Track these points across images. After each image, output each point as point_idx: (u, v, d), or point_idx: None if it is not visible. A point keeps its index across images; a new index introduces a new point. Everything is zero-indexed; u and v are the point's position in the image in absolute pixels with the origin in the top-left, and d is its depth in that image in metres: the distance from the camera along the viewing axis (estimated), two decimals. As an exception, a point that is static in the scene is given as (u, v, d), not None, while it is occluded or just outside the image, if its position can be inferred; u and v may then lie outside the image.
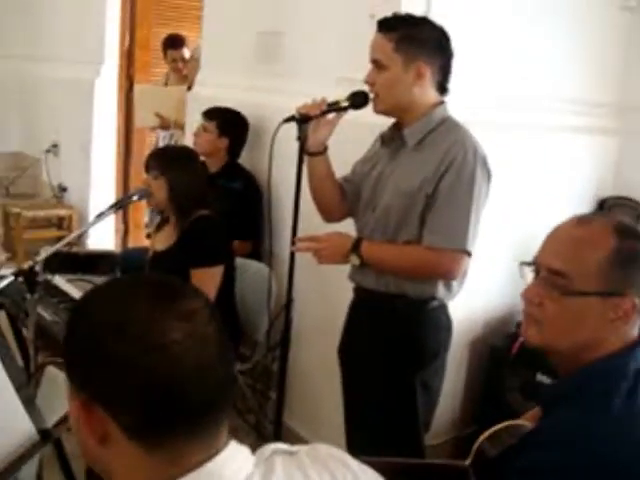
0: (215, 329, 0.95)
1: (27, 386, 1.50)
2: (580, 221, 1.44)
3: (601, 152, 3.56)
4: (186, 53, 5.21)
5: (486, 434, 1.61)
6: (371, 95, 2.24)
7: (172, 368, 0.90)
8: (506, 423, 1.50)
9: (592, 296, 1.35)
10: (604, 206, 3.53)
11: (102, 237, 5.60)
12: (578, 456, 1.25)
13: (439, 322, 2.33)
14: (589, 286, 1.35)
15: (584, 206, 3.52)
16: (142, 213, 5.79)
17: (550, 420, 1.38)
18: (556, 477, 1.26)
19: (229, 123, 3.65)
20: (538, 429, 1.39)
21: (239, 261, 3.25)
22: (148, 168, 2.99)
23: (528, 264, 1.46)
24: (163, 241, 3.07)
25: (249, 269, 3.36)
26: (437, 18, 2.32)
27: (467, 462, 1.67)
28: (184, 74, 5.18)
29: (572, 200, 3.45)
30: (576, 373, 1.38)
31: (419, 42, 2.17)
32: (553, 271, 1.38)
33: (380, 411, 2.31)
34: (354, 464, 1.08)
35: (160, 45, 5.35)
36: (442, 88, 2.25)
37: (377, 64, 2.20)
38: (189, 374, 0.90)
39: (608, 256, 1.35)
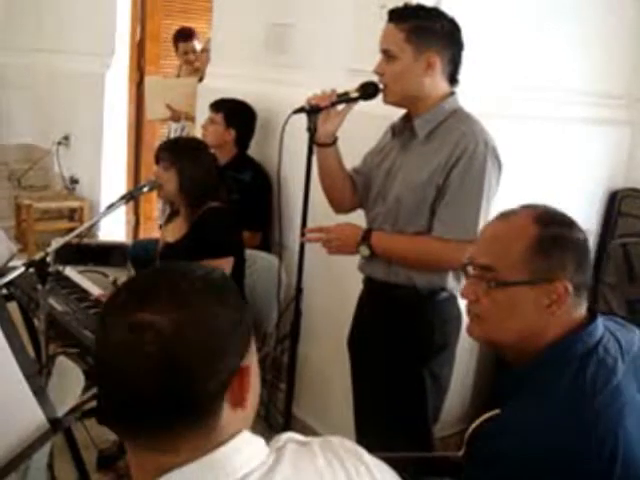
0: (159, 349, 0.91)
1: (38, 376, 1.51)
2: (502, 215, 1.50)
3: (613, 144, 3.54)
4: (197, 45, 5.21)
5: (475, 424, 1.63)
6: (381, 86, 2.23)
7: (101, 363, 0.97)
8: (495, 411, 1.51)
9: (520, 285, 1.39)
10: (616, 198, 3.52)
11: (113, 229, 5.63)
12: (529, 446, 1.27)
13: (449, 313, 2.32)
14: (515, 276, 1.40)
15: (596, 198, 3.51)
16: (153, 205, 5.81)
17: (505, 411, 1.40)
18: (513, 467, 1.28)
19: (236, 114, 3.65)
20: (496, 420, 1.41)
21: (248, 252, 3.26)
22: (158, 159, 2.99)
23: (464, 265, 1.50)
24: (174, 233, 3.07)
25: (258, 260, 3.36)
26: (448, 8, 2.31)
27: (460, 453, 1.68)
28: (196, 66, 5.18)
29: (584, 192, 3.44)
30: (525, 363, 1.42)
31: (430, 33, 2.16)
32: (481, 266, 1.44)
33: (389, 402, 2.31)
34: (367, 457, 1.08)
35: (171, 38, 5.36)
36: (452, 79, 2.24)
37: (387, 54, 2.19)
38: (110, 376, 0.95)
39: (530, 244, 1.39)
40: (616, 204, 3.50)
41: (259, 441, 1.00)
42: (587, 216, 3.50)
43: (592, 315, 1.43)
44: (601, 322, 1.43)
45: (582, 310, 1.42)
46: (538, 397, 1.34)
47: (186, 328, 0.92)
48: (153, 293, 0.96)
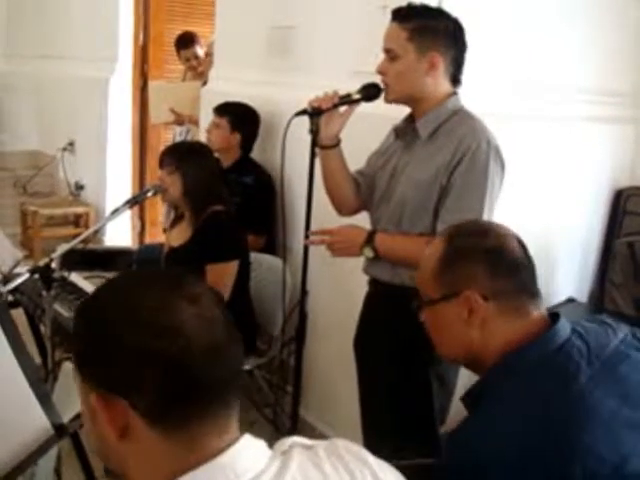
0: (221, 311, 0.98)
1: (42, 382, 1.51)
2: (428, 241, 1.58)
3: (617, 142, 3.53)
4: (199, 50, 5.20)
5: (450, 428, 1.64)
6: (382, 86, 2.23)
7: (184, 348, 0.92)
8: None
9: (438, 303, 1.45)
10: (621, 197, 3.51)
11: (119, 234, 5.64)
12: (480, 455, 1.27)
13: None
14: (432, 295, 1.46)
15: (601, 197, 3.50)
16: (158, 209, 5.81)
17: (466, 421, 1.40)
18: (468, 475, 1.29)
19: (241, 118, 3.65)
20: (456, 428, 1.41)
21: (253, 255, 3.26)
22: (162, 164, 3.00)
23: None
24: (178, 237, 3.08)
25: (263, 263, 3.36)
26: (451, 8, 2.31)
27: None
28: (200, 71, 5.18)
29: (588, 191, 3.43)
30: (482, 375, 1.45)
31: (433, 33, 2.15)
32: (417, 292, 1.52)
33: (396, 403, 2.30)
34: (372, 459, 1.08)
35: (173, 44, 5.35)
36: (455, 79, 2.24)
37: (390, 54, 2.18)
38: (200, 353, 0.93)
39: (437, 262, 1.45)
40: (621, 203, 3.49)
41: (262, 443, 1.00)
42: (592, 215, 3.49)
43: (554, 320, 1.42)
44: (566, 326, 1.41)
45: (530, 316, 1.41)
46: (492, 407, 1.35)
47: (215, 292, 1.01)
48: (175, 272, 1.03)
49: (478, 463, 1.27)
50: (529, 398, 1.31)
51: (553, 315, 1.45)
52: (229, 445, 0.95)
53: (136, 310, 0.94)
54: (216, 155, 3.52)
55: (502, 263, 1.42)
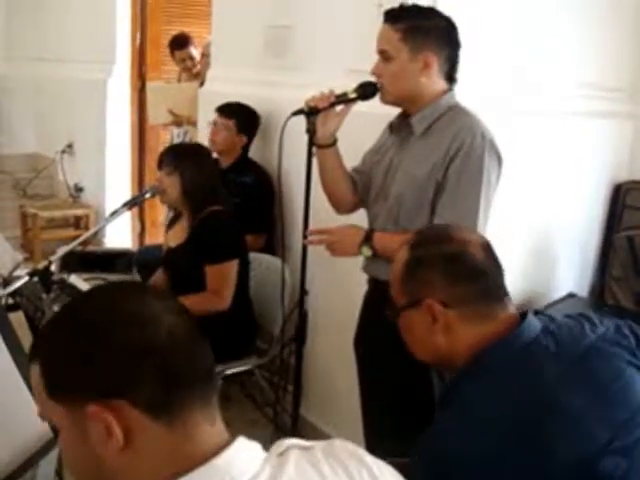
0: (185, 311, 1.01)
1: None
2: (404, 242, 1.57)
3: (616, 137, 3.53)
4: (193, 51, 5.20)
5: None
6: (378, 86, 2.22)
7: (168, 335, 0.95)
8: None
9: (404, 310, 1.47)
10: (620, 191, 3.51)
11: (119, 235, 5.65)
12: (448, 454, 1.29)
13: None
14: (399, 301, 1.49)
15: (600, 192, 3.50)
16: (158, 211, 5.82)
17: (436, 419, 1.42)
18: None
19: (248, 121, 3.66)
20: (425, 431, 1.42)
21: (252, 255, 3.26)
22: (161, 165, 3.00)
23: None
24: (176, 237, 3.08)
25: (263, 263, 3.37)
26: (444, 7, 2.30)
27: None
28: (195, 72, 5.18)
29: (587, 186, 3.43)
30: (447, 382, 1.52)
31: (425, 32, 2.15)
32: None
33: (397, 403, 2.30)
34: (369, 459, 1.07)
35: (171, 46, 5.35)
36: (450, 78, 2.24)
37: (384, 55, 2.18)
38: (182, 341, 0.96)
39: (401, 270, 1.48)
40: (620, 197, 3.49)
41: (256, 445, 1.00)
42: (591, 210, 3.49)
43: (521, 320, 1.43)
44: (533, 325, 1.41)
45: (496, 319, 1.42)
46: (455, 410, 1.36)
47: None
48: (129, 284, 1.11)
49: (440, 465, 1.28)
50: (492, 400, 1.32)
51: (523, 315, 1.45)
52: (224, 444, 0.96)
53: (112, 311, 0.96)
54: (215, 156, 3.52)
55: (462, 270, 1.43)
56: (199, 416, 0.96)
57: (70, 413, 0.94)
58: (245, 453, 0.97)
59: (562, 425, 1.27)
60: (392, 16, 2.17)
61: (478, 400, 1.33)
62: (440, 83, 2.21)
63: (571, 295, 3.37)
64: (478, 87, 2.63)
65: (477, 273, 1.43)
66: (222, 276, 2.96)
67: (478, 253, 1.45)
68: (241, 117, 3.65)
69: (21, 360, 1.39)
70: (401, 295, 1.49)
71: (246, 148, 3.73)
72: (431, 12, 2.22)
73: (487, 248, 1.48)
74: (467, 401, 1.35)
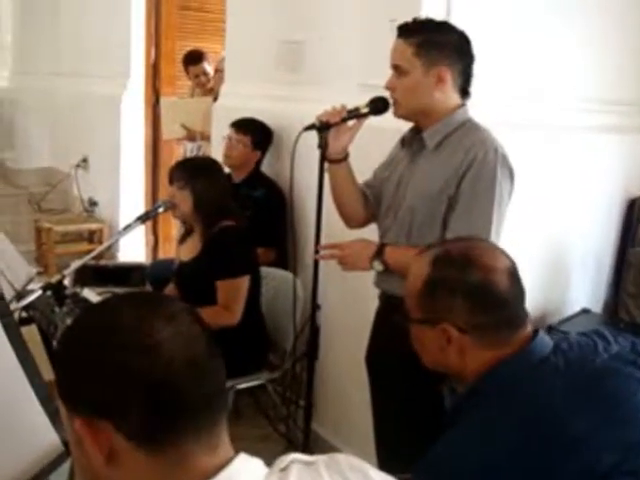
0: (200, 328, 0.98)
1: (52, 399, 1.51)
2: (421, 250, 1.57)
3: (630, 151, 3.51)
4: (207, 67, 5.23)
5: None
6: (391, 100, 2.23)
7: (165, 366, 0.92)
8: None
9: (419, 324, 1.47)
10: (634, 206, 3.49)
11: (133, 250, 5.66)
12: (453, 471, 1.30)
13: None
14: (415, 313, 1.47)
15: (614, 207, 3.49)
16: (171, 225, 5.83)
17: (445, 434, 1.42)
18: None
19: (263, 137, 3.68)
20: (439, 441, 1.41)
21: (265, 270, 3.26)
22: (172, 179, 3.01)
23: None
24: (188, 252, 3.08)
25: (274, 277, 3.36)
26: (457, 21, 2.31)
27: None
28: (209, 87, 5.21)
29: (601, 201, 3.41)
30: (454, 400, 1.51)
31: (439, 46, 2.15)
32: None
33: (408, 418, 2.29)
34: (373, 473, 1.06)
35: (185, 62, 5.38)
36: (464, 91, 2.24)
37: (397, 69, 2.19)
38: (181, 371, 0.93)
39: (421, 285, 1.45)
40: (635, 212, 3.47)
41: (258, 461, 1.00)
42: (605, 225, 3.47)
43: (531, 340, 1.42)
44: (544, 344, 1.41)
45: (511, 342, 1.41)
46: (459, 430, 1.36)
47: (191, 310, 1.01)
48: (153, 294, 1.01)
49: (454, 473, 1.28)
50: (498, 419, 1.31)
51: (536, 332, 1.44)
52: (224, 464, 0.95)
53: (114, 331, 0.94)
54: (227, 170, 3.53)
55: (484, 301, 1.41)
56: (193, 446, 0.93)
57: (69, 420, 0.96)
58: (248, 469, 0.96)
59: (568, 446, 1.26)
60: (406, 30, 2.17)
61: (484, 419, 1.33)
62: (454, 97, 2.21)
63: (585, 311, 3.35)
64: (489, 102, 2.63)
65: (499, 304, 1.41)
66: (233, 291, 2.96)
67: (502, 282, 1.42)
68: (257, 133, 3.66)
69: (32, 374, 1.39)
70: (417, 309, 1.47)
71: (259, 163, 3.74)
72: (445, 26, 2.22)
73: (512, 274, 1.45)
74: (473, 420, 1.34)
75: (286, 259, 3.58)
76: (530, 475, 1.24)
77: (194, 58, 5.22)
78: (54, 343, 2.91)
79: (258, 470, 0.98)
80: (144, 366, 0.91)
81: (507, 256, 1.50)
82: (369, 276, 2.40)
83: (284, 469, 1.00)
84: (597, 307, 3.49)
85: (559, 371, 1.36)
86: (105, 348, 0.93)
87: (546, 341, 1.41)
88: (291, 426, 3.19)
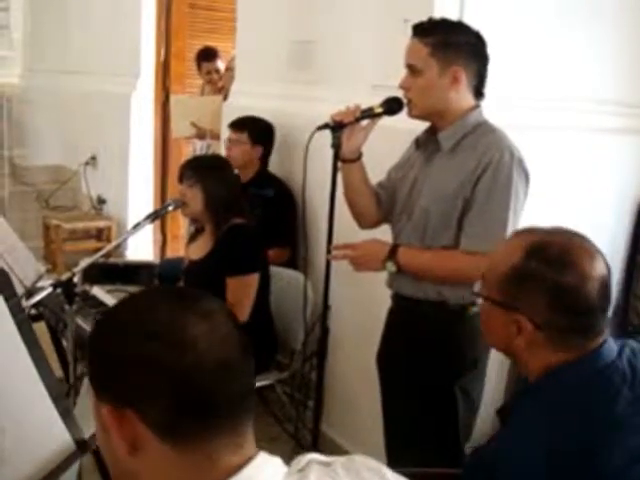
0: (234, 328, 0.99)
1: (65, 398, 1.51)
2: (514, 233, 1.55)
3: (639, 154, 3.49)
4: (220, 65, 5.23)
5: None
6: (405, 100, 2.22)
7: (196, 363, 0.92)
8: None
9: (493, 304, 1.43)
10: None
11: (141, 248, 5.66)
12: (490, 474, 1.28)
13: (479, 328, 2.28)
14: (492, 294, 1.44)
15: (624, 209, 3.46)
16: (180, 223, 5.83)
17: (491, 437, 1.42)
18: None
19: (260, 131, 3.67)
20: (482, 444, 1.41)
21: (275, 269, 3.25)
22: (182, 178, 3.00)
23: None
24: (198, 250, 3.08)
25: (285, 277, 3.35)
26: (470, 22, 2.29)
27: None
28: (219, 86, 5.21)
29: (612, 204, 3.39)
30: (514, 395, 1.45)
31: (455, 47, 2.14)
32: (482, 275, 1.50)
33: (420, 419, 2.28)
34: (389, 475, 1.06)
35: (194, 58, 5.39)
36: (478, 93, 2.23)
37: (412, 69, 2.17)
38: (214, 369, 0.93)
39: (509, 270, 1.41)
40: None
41: (278, 460, 1.00)
42: (616, 227, 3.45)
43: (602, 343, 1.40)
44: (611, 349, 1.39)
45: (585, 349, 1.39)
46: (517, 427, 1.34)
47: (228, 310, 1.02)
48: (189, 290, 1.03)
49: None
50: (557, 421, 1.30)
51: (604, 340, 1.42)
52: (246, 462, 0.95)
53: (147, 323, 0.95)
54: (235, 172, 3.52)
55: (570, 304, 1.37)
56: (218, 444, 0.93)
57: (97, 407, 0.97)
58: (268, 468, 0.97)
59: (626, 455, 1.25)
60: (421, 30, 2.16)
61: (539, 417, 1.31)
62: (468, 98, 2.20)
63: (595, 314, 3.32)
64: (501, 103, 2.61)
65: (583, 311, 1.38)
66: (242, 289, 2.96)
67: (593, 291, 1.38)
68: (252, 128, 3.66)
69: (45, 373, 1.38)
70: (496, 290, 1.43)
71: (265, 161, 3.73)
72: (461, 27, 2.21)
73: (604, 283, 1.41)
74: (529, 417, 1.33)
75: (295, 259, 3.58)
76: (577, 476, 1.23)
77: (208, 55, 5.24)
78: (63, 341, 2.92)
79: (277, 469, 0.98)
80: (172, 360, 0.91)
81: (604, 261, 1.44)
82: (379, 277, 2.39)
83: (302, 469, 1.00)
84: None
85: (626, 378, 1.35)
86: (136, 337, 0.94)
87: (612, 347, 1.40)
88: (299, 427, 3.18)
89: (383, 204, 2.40)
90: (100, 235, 6.09)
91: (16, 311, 1.34)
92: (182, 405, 0.91)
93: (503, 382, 3.27)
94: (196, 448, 0.92)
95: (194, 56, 5.38)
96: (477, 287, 1.53)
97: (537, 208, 2.67)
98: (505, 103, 2.70)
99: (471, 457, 1.40)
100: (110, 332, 0.98)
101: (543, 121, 2.98)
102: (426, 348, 2.26)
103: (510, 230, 2.11)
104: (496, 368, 3.00)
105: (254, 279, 3.00)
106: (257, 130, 3.66)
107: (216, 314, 0.97)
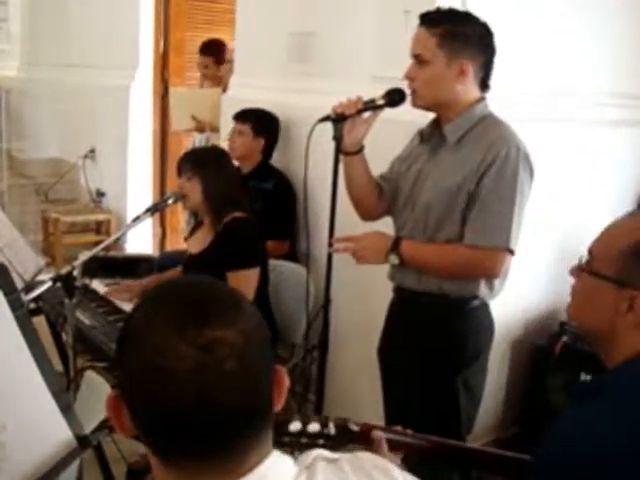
0: (238, 361, 0.90)
1: (65, 392, 1.50)
2: (630, 213, 1.47)
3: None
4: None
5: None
6: (408, 90, 2.19)
7: (170, 392, 0.88)
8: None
9: (604, 280, 1.36)
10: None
11: (140, 241, 5.64)
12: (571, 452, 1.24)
13: (481, 322, 2.29)
14: (604, 269, 1.36)
15: (627, 202, 3.46)
16: (179, 217, 5.82)
17: (564, 415, 1.36)
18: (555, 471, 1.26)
19: (263, 123, 3.65)
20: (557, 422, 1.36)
21: (275, 262, 3.24)
22: (180, 170, 2.99)
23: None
24: (198, 244, 3.06)
25: (285, 270, 3.34)
26: (475, 12, 2.27)
27: None
28: (219, 75, 5.16)
29: (614, 196, 3.39)
30: (605, 371, 1.39)
31: (463, 38, 2.12)
32: (588, 251, 1.42)
33: (421, 412, 2.26)
34: (397, 472, 1.05)
35: (197, 50, 5.32)
36: (484, 84, 2.21)
37: (419, 59, 2.15)
38: (188, 402, 0.88)
39: (630, 246, 1.34)
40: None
41: (288, 459, 0.99)
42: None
43: None
44: None
45: None
46: (601, 406, 1.29)
47: (250, 335, 0.93)
48: (208, 307, 0.92)
49: (577, 458, 1.23)
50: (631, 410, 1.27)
51: None
52: (258, 462, 0.93)
53: (144, 333, 0.92)
54: (235, 163, 3.51)
55: None
56: (200, 468, 0.91)
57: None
58: (279, 467, 0.96)
59: None
60: (429, 20, 2.13)
61: (621, 405, 1.27)
62: (474, 90, 2.18)
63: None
64: (506, 96, 2.60)
65: None
66: (243, 282, 2.94)
67: None
68: (255, 120, 3.64)
69: (45, 368, 1.37)
70: (610, 264, 1.36)
71: (267, 153, 3.71)
72: (468, 18, 2.17)
73: None
74: (610, 403, 1.29)
75: (294, 251, 3.56)
76: None
77: (204, 48, 5.18)
78: (63, 335, 2.91)
79: (287, 469, 0.97)
80: (148, 382, 0.89)
81: None
82: (380, 269, 2.37)
83: (309, 467, 1.00)
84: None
85: None
86: (129, 346, 0.94)
87: None
88: (300, 420, 3.17)
89: (385, 196, 2.39)
90: (99, 228, 6.08)
91: (16, 306, 1.33)
92: (154, 427, 0.92)
93: (505, 375, 3.27)
94: (175, 466, 0.92)
95: (194, 48, 5.30)
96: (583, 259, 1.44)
97: (540, 201, 2.66)
98: (505, 96, 2.68)
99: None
100: (122, 329, 0.99)
101: (543, 114, 2.97)
102: (428, 341, 2.25)
103: (515, 225, 2.09)
104: (498, 361, 3.00)
105: (255, 273, 2.99)
106: (260, 122, 3.65)
107: (219, 345, 0.89)
